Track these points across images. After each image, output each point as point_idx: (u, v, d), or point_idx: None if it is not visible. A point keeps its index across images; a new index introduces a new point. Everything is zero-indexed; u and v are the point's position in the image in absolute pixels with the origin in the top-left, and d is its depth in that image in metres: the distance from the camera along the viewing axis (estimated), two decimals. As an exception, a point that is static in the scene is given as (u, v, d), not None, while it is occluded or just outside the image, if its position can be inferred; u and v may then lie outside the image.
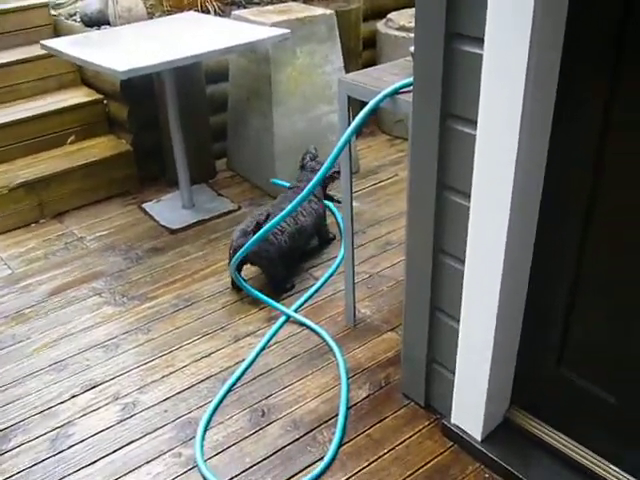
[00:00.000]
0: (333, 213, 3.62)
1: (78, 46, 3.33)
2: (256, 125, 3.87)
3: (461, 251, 1.94)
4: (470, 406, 2.15)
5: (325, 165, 2.09)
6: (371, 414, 2.38)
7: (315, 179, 2.22)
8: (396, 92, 2.04)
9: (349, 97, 2.26)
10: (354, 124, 2.08)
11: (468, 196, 1.84)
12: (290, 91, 3.72)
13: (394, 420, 2.35)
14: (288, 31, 3.33)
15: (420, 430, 2.31)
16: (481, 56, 1.64)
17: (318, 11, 3.76)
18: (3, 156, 3.87)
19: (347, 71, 3.89)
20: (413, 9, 1.76)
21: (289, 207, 2.38)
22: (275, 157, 3.78)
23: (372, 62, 4.49)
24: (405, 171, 4.00)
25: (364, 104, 2.09)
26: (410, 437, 2.28)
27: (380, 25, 4.61)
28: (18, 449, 2.34)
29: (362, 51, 4.55)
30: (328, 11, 3.78)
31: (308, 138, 3.84)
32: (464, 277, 1.96)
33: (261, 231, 2.60)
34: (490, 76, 1.64)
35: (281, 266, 3.00)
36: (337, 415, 2.36)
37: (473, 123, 1.74)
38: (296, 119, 3.79)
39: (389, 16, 4.60)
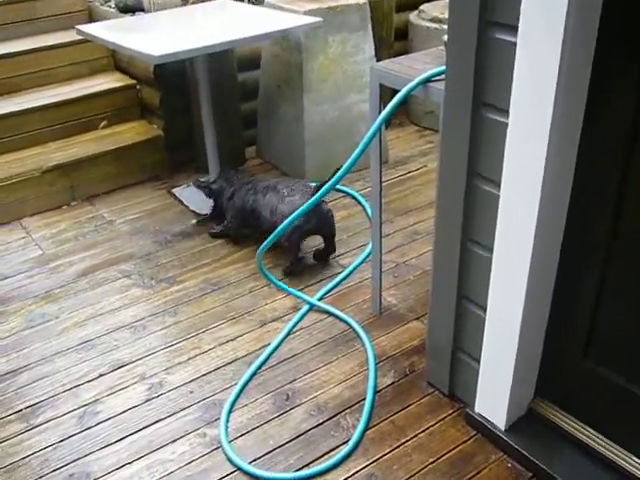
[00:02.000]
0: (360, 202, 3.63)
1: (113, 31, 3.36)
2: (286, 113, 3.89)
3: (490, 240, 1.93)
4: (494, 395, 2.15)
5: (356, 152, 2.09)
6: (395, 401, 2.39)
7: (344, 168, 2.20)
8: (428, 80, 2.04)
9: (381, 85, 2.26)
10: (386, 111, 2.08)
11: (498, 185, 1.84)
12: (321, 79, 3.72)
13: (418, 408, 2.36)
14: (320, 19, 3.33)
15: (444, 418, 2.31)
16: (515, 44, 1.64)
17: (351, 0, 3.76)
18: (37, 139, 3.93)
19: (378, 61, 3.89)
20: (445, 0, 1.76)
21: (323, 190, 2.34)
22: (305, 145, 3.80)
23: (403, 53, 4.43)
24: (434, 162, 4.04)
25: (394, 93, 2.09)
26: (433, 425, 2.29)
27: (412, 16, 4.59)
28: (46, 425, 2.38)
29: (394, 42, 4.54)
30: (361, 1, 3.77)
31: (338, 127, 3.85)
32: (492, 266, 1.96)
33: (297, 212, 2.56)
34: (523, 65, 1.64)
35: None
36: (361, 401, 2.38)
37: (505, 112, 1.74)
38: (327, 108, 3.79)
39: (422, 7, 4.59)
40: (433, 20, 4.40)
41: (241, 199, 3.21)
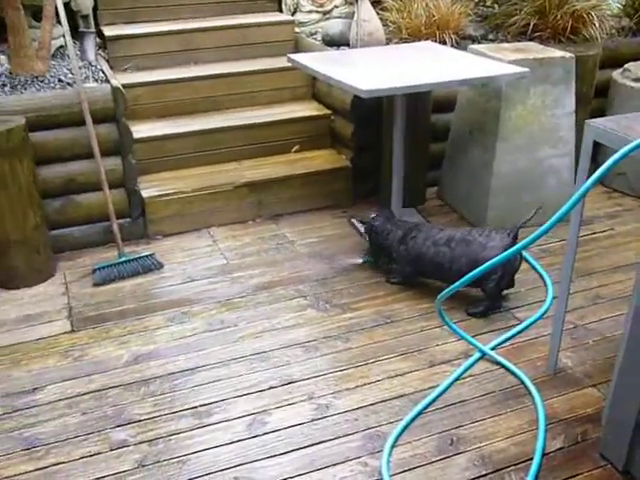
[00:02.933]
0: (527, 260, 3.54)
1: (321, 62, 3.52)
2: (475, 159, 3.89)
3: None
4: (678, 481, 2.03)
5: (565, 207, 2.04)
6: (564, 467, 2.30)
7: (553, 220, 2.13)
8: (650, 142, 1.98)
9: (595, 143, 2.22)
10: (599, 172, 2.02)
11: None
12: (516, 129, 3.70)
13: (588, 479, 2.26)
14: (527, 70, 3.32)
15: (616, 495, 2.21)
16: None
17: (557, 53, 3.72)
18: (234, 155, 4.18)
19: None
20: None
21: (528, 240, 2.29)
22: (490, 193, 3.78)
23: (601, 111, 4.37)
24: (622, 226, 3.90)
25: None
26: (603, 500, 2.19)
27: (616, 74, 4.46)
28: (217, 425, 2.51)
29: (592, 98, 4.43)
30: (568, 54, 3.72)
31: (526, 179, 3.80)
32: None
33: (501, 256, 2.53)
34: None
35: None
36: (528, 460, 2.31)
37: None
38: (517, 158, 3.76)
39: (626, 66, 4.45)
40: (638, 80, 4.26)
41: (416, 248, 3.22)
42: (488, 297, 3.10)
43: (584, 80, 4.20)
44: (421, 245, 3.20)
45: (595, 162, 2.26)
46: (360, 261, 3.57)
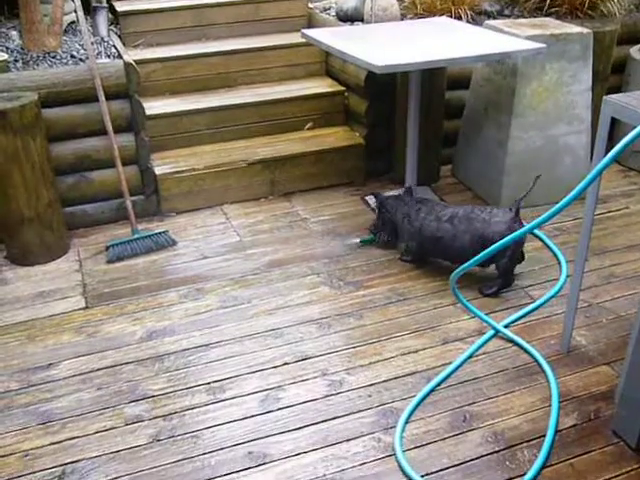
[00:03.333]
0: (541, 239, 3.52)
1: (335, 37, 3.48)
2: (490, 136, 3.86)
3: None
4: (693, 459, 2.02)
5: (582, 184, 2.02)
6: (576, 444, 2.31)
7: (564, 202, 2.11)
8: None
9: (613, 119, 2.19)
10: (618, 147, 1.99)
11: None
12: (532, 106, 3.66)
13: (600, 455, 2.26)
14: (544, 46, 3.27)
15: (628, 472, 2.20)
16: None
17: (575, 29, 3.67)
18: (247, 133, 4.16)
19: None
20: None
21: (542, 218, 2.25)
22: (504, 171, 3.75)
23: (617, 88, 4.32)
24: (638, 204, 3.87)
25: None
26: (616, 477, 2.19)
27: (633, 50, 4.40)
28: (231, 401, 2.52)
29: (609, 75, 4.37)
30: (585, 30, 3.67)
31: (541, 157, 3.77)
32: None
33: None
34: None
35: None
36: (540, 437, 2.32)
37: None
38: (532, 135, 3.72)
39: (644, 42, 4.40)
40: (656, 57, 4.20)
41: (419, 222, 3.21)
42: (502, 274, 3.09)
43: (601, 57, 4.14)
44: (423, 220, 3.19)
45: (610, 141, 2.23)
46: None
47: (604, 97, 2.25)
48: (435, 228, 3.14)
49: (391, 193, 3.59)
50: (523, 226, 2.98)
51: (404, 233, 3.30)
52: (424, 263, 3.32)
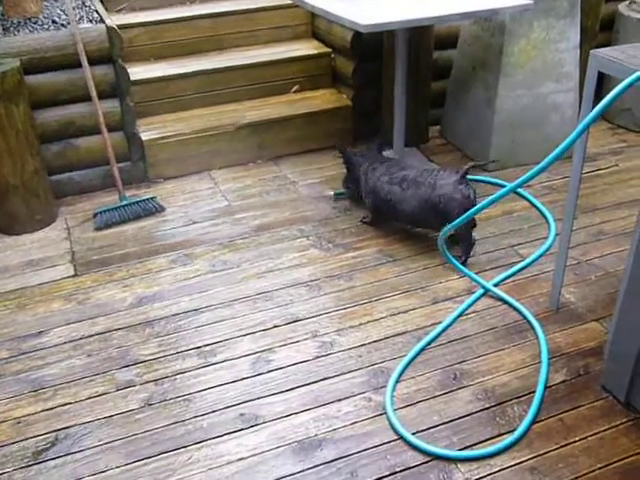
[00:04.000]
0: (527, 199, 3.51)
1: (320, -2, 3.43)
2: (478, 96, 3.83)
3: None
4: (680, 411, 2.04)
5: (565, 143, 2.01)
6: (566, 399, 2.33)
7: (547, 160, 2.10)
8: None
9: (599, 78, 2.17)
10: (603, 103, 1.98)
11: None
12: (519, 65, 3.63)
13: (589, 410, 2.29)
14: (531, 2, 3.23)
15: (617, 426, 2.23)
16: None
17: (562, -15, 3.63)
18: (234, 96, 4.12)
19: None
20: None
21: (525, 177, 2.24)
22: (493, 130, 3.73)
23: (607, 44, 4.27)
24: (627, 162, 3.86)
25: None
26: (605, 430, 2.21)
27: (622, 7, 4.36)
28: (222, 364, 2.53)
29: (598, 32, 4.34)
30: (573, -14, 3.63)
31: (529, 115, 3.75)
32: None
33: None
34: None
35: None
36: (530, 393, 2.34)
37: None
38: (520, 94, 3.70)
39: (634, -2, 4.35)
40: (645, 13, 4.16)
41: (373, 181, 3.19)
42: (464, 239, 3.05)
43: (589, 13, 4.11)
44: (377, 180, 3.18)
45: (598, 99, 2.21)
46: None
47: (591, 51, 2.24)
48: (387, 190, 3.12)
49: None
50: (469, 188, 2.97)
51: (362, 191, 3.31)
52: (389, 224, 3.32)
